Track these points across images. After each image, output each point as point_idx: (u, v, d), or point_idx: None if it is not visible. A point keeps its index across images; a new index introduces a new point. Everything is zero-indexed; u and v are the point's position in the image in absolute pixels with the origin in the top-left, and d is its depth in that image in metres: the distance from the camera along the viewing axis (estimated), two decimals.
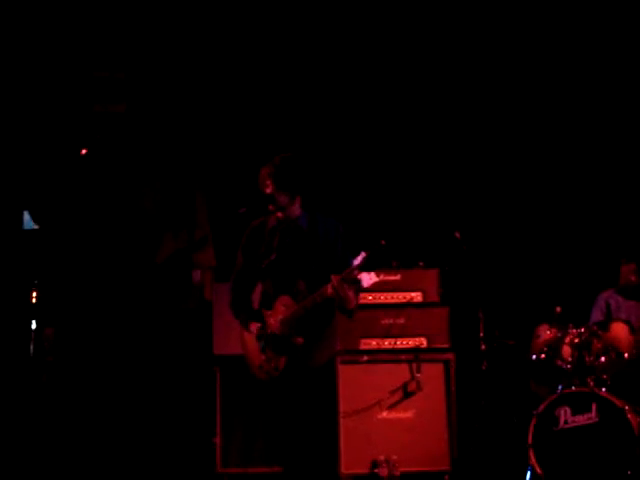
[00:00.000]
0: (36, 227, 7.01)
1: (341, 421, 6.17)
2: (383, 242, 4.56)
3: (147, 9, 7.17)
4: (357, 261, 4.55)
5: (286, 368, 4.72)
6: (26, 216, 7.01)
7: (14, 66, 6.96)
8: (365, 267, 4.56)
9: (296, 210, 4.83)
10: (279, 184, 4.75)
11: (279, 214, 4.82)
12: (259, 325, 4.79)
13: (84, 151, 6.46)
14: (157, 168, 7.12)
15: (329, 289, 4.58)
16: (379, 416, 6.27)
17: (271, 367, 4.74)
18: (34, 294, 6.51)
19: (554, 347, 6.10)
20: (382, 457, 6.15)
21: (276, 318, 4.75)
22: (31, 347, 6.69)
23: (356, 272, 4.55)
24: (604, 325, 6.17)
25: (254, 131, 7.38)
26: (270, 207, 4.80)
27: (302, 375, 4.72)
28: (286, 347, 4.71)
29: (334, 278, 4.56)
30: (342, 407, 6.19)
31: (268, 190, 4.77)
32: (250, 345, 4.84)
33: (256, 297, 4.96)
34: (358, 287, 4.64)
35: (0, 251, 6.75)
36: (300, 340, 4.69)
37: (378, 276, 6.16)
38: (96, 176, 6.99)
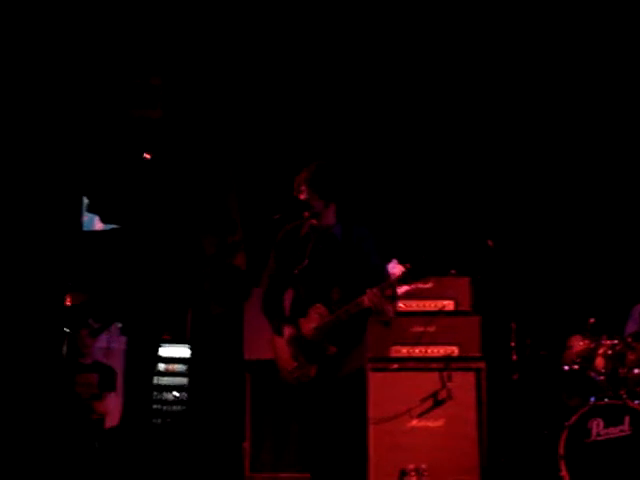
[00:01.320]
0: (99, 228, 7.07)
1: (370, 429, 6.16)
2: (424, 256, 4.55)
3: (184, 15, 7.22)
4: (396, 275, 4.56)
5: (317, 375, 4.72)
6: (86, 217, 7.10)
7: (52, 72, 7.04)
8: (404, 280, 4.56)
9: (330, 218, 4.83)
10: (314, 190, 4.76)
11: (313, 221, 4.82)
12: (292, 330, 4.80)
13: (148, 155, 6.52)
14: (195, 173, 7.17)
15: (365, 301, 4.58)
16: (409, 424, 6.25)
17: (302, 373, 4.74)
18: (69, 297, 6.58)
19: (587, 358, 6.06)
20: (411, 466, 6.13)
21: (309, 325, 4.75)
22: (64, 349, 6.76)
23: (395, 284, 4.58)
24: (638, 337, 6.11)
25: (290, 137, 7.41)
26: (305, 214, 4.81)
27: (332, 383, 4.71)
28: (318, 355, 4.71)
29: (370, 291, 4.56)
30: (371, 414, 6.16)
31: (303, 196, 4.78)
32: (281, 350, 4.84)
33: (287, 303, 4.97)
34: (396, 299, 4.66)
35: (37, 254, 6.81)
36: (333, 349, 4.69)
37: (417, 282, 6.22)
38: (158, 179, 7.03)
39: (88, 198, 7.17)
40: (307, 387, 4.75)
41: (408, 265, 4.54)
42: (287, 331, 4.81)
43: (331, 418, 4.70)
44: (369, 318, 4.73)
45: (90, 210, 7.17)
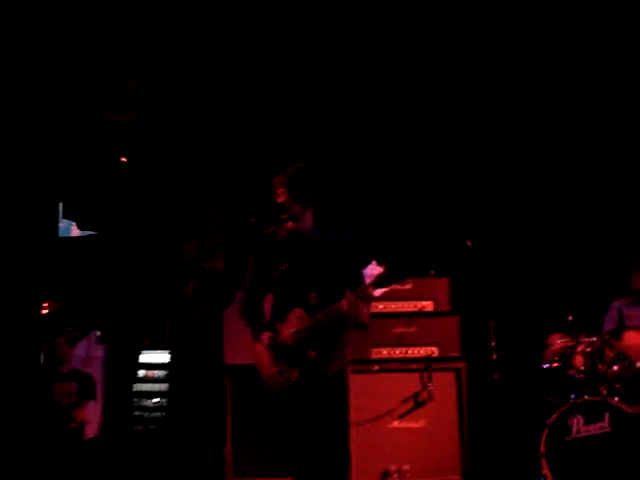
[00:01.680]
0: (75, 235, 7.01)
1: (352, 430, 6.13)
2: (399, 259, 4.55)
3: (158, 17, 7.18)
4: (371, 278, 4.54)
5: (299, 380, 4.70)
6: (62, 224, 7.03)
7: (27, 76, 6.98)
8: (380, 284, 4.55)
9: (308, 221, 4.81)
10: (292, 193, 4.74)
11: (290, 224, 4.80)
12: (271, 335, 4.78)
13: (124, 159, 6.47)
14: (172, 177, 7.14)
15: (344, 305, 4.57)
16: (390, 426, 6.25)
17: (283, 378, 4.73)
18: (46, 304, 6.52)
19: (566, 356, 6.08)
20: (393, 467, 6.13)
21: (289, 330, 4.73)
22: (41, 357, 6.69)
23: (371, 289, 4.56)
24: (616, 334, 6.16)
25: (267, 140, 7.39)
26: (283, 217, 4.79)
27: (314, 386, 4.70)
28: (298, 359, 4.70)
29: (349, 295, 4.56)
30: (353, 417, 6.09)
31: (281, 199, 4.76)
32: (261, 355, 4.82)
33: (267, 307, 4.95)
34: (371, 301, 4.66)
35: (13, 261, 6.74)
36: (313, 354, 4.67)
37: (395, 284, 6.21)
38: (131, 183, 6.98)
39: (64, 204, 7.10)
40: (289, 391, 4.74)
41: (384, 266, 4.53)
42: (265, 336, 4.80)
43: (314, 421, 4.69)
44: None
45: (66, 216, 7.11)
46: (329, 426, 4.69)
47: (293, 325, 4.73)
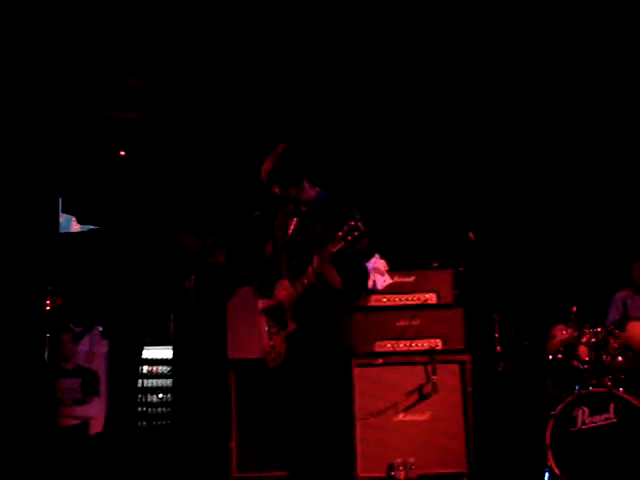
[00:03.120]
0: (75, 229, 7.00)
1: (357, 424, 6.14)
2: (352, 223, 4.39)
3: (160, 15, 7.17)
4: (336, 241, 4.34)
5: (286, 355, 4.64)
6: (62, 219, 7.01)
7: (30, 73, 6.97)
8: (342, 239, 4.33)
9: (309, 193, 4.73)
10: (282, 182, 4.67)
11: (295, 204, 4.76)
12: (266, 301, 4.75)
13: (122, 153, 6.46)
14: (172, 173, 7.13)
15: (310, 270, 4.46)
16: (395, 419, 6.24)
17: (276, 353, 4.69)
18: (49, 301, 6.52)
19: (570, 347, 6.06)
20: (399, 460, 6.12)
21: (276, 298, 4.70)
22: (45, 353, 6.70)
23: (335, 247, 4.34)
24: (621, 324, 6.13)
25: (269, 134, 7.37)
26: (290, 206, 4.74)
27: (304, 366, 4.62)
28: (282, 328, 4.64)
29: (314, 258, 4.42)
30: (358, 410, 6.16)
31: (276, 190, 4.72)
32: (262, 329, 4.80)
33: None
34: (351, 265, 4.50)
35: (15, 258, 6.73)
36: (292, 325, 4.60)
37: (392, 278, 6.20)
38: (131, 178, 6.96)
39: (63, 198, 7.09)
40: (283, 371, 4.68)
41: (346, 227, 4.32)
42: (260, 303, 4.77)
43: (309, 409, 4.62)
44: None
45: (65, 211, 7.10)
46: (325, 416, 4.59)
47: (279, 295, 4.67)
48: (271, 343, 4.72)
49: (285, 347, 4.65)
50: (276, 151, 4.72)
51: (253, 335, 4.95)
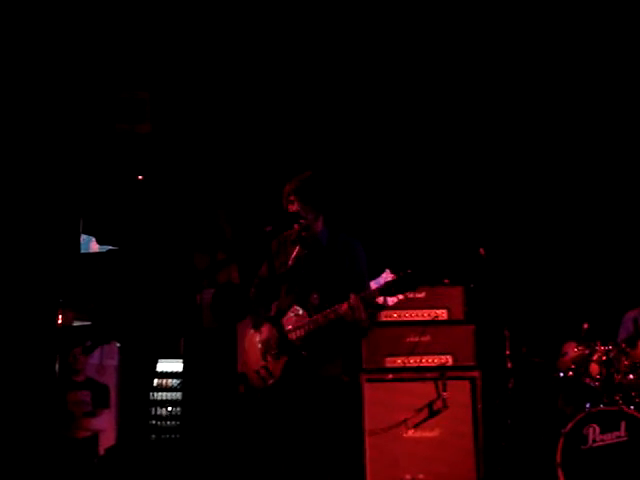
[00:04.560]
0: (94, 249, 7.04)
1: (367, 440, 6.14)
2: (410, 271, 4.52)
3: (172, 29, 7.21)
4: (379, 284, 4.52)
5: (281, 377, 4.65)
6: (83, 239, 7.06)
7: (40, 86, 7.02)
8: (387, 291, 4.52)
9: (319, 226, 4.81)
10: (304, 199, 4.73)
11: (301, 227, 4.79)
12: (271, 327, 4.76)
13: (141, 177, 6.51)
14: (182, 190, 7.16)
15: (344, 307, 4.53)
16: (405, 435, 6.23)
17: (268, 373, 4.68)
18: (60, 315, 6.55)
19: (582, 365, 6.05)
20: (408, 476, 6.11)
21: (287, 327, 4.71)
22: (57, 366, 6.71)
23: (376, 295, 4.53)
24: (632, 342, 6.12)
25: (279, 151, 7.40)
26: (296, 226, 4.78)
27: (306, 385, 4.63)
28: (288, 355, 4.67)
29: (352, 297, 4.52)
30: (367, 426, 6.16)
31: (293, 207, 4.76)
32: (252, 347, 4.80)
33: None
34: (375, 309, 4.62)
35: (36, 274, 6.76)
36: (305, 353, 4.64)
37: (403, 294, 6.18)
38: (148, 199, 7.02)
39: (84, 219, 7.15)
40: (271, 391, 4.68)
41: (394, 276, 4.50)
42: (266, 328, 4.77)
43: (311, 425, 4.61)
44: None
45: (85, 232, 7.15)
46: (327, 430, 4.61)
47: (291, 322, 4.69)
48: (263, 363, 4.73)
49: (280, 370, 4.67)
50: (312, 172, 4.81)
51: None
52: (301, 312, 4.69)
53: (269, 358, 4.71)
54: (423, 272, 4.65)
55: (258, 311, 4.91)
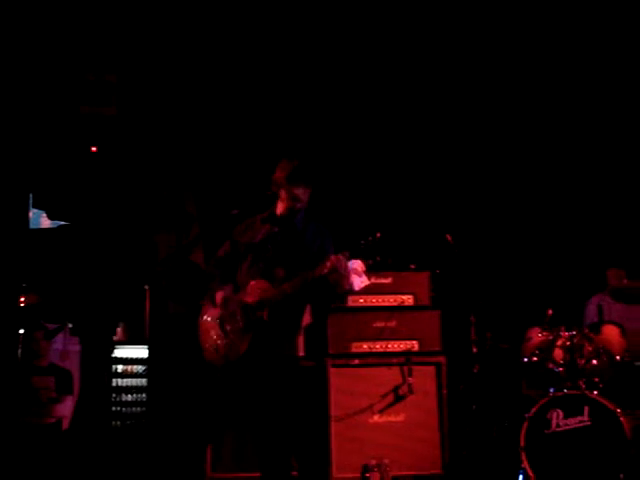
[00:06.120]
0: (44, 226, 6.90)
1: (332, 425, 6.14)
2: (379, 235, 4.55)
3: (140, 10, 7.12)
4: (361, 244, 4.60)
5: (247, 352, 4.65)
6: (32, 215, 6.91)
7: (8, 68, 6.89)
8: (364, 253, 4.57)
9: (302, 212, 4.84)
10: (310, 183, 4.77)
11: (294, 210, 4.80)
12: (224, 295, 4.74)
13: (94, 149, 6.40)
14: (149, 170, 7.09)
15: (328, 265, 4.52)
16: (370, 420, 6.24)
17: (232, 350, 4.67)
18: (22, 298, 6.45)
19: (546, 350, 6.09)
20: (374, 461, 6.11)
21: (249, 296, 4.69)
22: (19, 351, 6.63)
23: (347, 256, 4.57)
24: (595, 328, 6.17)
25: (246, 133, 7.36)
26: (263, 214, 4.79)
27: (262, 366, 4.65)
28: (252, 326, 4.65)
29: (332, 256, 4.55)
30: (333, 411, 6.16)
31: (305, 196, 4.77)
32: (210, 328, 4.79)
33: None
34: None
35: None
36: (265, 316, 4.62)
37: (369, 279, 6.19)
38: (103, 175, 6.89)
39: (33, 193, 6.99)
40: (235, 367, 4.69)
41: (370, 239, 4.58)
42: (219, 295, 4.77)
43: (284, 405, 4.67)
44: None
45: (36, 206, 7.00)
46: (291, 411, 4.64)
47: (255, 294, 4.67)
48: (225, 341, 4.69)
49: (246, 345, 4.63)
50: (300, 152, 4.86)
51: None
52: (266, 285, 4.66)
53: (232, 335, 4.67)
54: (389, 241, 4.71)
55: (213, 287, 4.88)
